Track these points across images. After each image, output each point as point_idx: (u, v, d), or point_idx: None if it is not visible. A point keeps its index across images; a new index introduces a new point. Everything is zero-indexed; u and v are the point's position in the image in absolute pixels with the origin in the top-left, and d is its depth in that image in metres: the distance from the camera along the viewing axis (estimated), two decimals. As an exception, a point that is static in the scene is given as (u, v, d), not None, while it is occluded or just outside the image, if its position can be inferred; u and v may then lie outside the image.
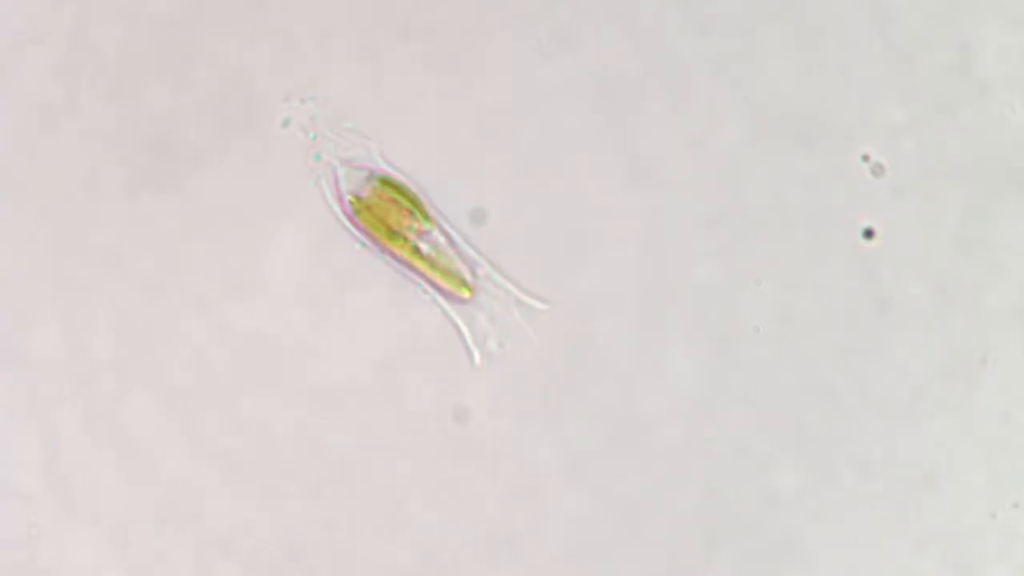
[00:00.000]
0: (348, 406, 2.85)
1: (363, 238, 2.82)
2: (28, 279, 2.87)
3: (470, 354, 2.83)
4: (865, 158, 2.86)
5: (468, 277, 2.84)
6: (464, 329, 2.84)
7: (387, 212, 2.80)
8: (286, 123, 2.83)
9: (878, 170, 2.86)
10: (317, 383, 2.85)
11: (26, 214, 2.87)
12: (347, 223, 2.82)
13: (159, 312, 2.85)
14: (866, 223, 2.86)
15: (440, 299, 2.84)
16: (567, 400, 2.86)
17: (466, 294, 2.84)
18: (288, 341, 2.85)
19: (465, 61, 2.88)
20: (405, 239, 2.81)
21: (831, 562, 2.85)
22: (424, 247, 2.82)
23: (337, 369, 2.85)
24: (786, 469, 2.86)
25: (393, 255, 2.82)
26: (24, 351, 2.86)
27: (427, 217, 2.82)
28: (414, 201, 2.82)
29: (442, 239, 2.83)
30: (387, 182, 2.81)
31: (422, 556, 2.86)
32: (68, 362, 2.86)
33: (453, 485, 2.86)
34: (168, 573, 2.85)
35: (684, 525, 2.86)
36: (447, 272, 2.83)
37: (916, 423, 2.86)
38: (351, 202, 2.80)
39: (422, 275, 2.83)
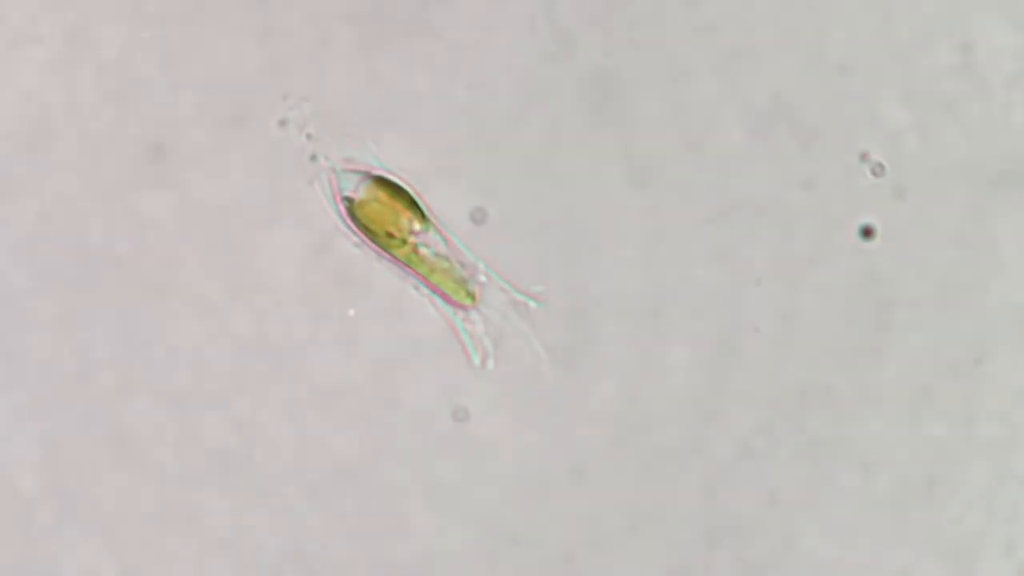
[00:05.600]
0: (347, 406, 2.85)
1: (360, 239, 2.82)
2: (28, 279, 2.87)
3: (469, 354, 2.83)
4: (864, 158, 2.86)
5: (470, 285, 2.83)
6: (463, 330, 2.84)
7: (383, 214, 2.80)
8: (283, 123, 2.84)
9: (878, 170, 2.86)
10: (316, 383, 2.85)
11: (26, 214, 2.87)
12: (344, 224, 2.82)
13: (159, 312, 2.85)
14: (866, 223, 2.86)
15: (439, 301, 2.84)
16: (567, 400, 2.86)
17: (468, 302, 2.84)
18: (287, 341, 2.85)
19: (465, 61, 2.88)
20: (404, 241, 2.81)
21: (831, 563, 2.85)
22: (423, 250, 2.82)
23: (336, 369, 2.85)
24: (786, 469, 2.86)
25: (392, 257, 2.82)
26: (24, 351, 2.86)
27: (424, 219, 2.82)
28: (411, 202, 2.81)
29: (441, 241, 2.83)
30: (382, 183, 2.81)
31: (422, 556, 2.86)
32: (68, 362, 2.86)
33: (453, 485, 2.86)
34: (167, 574, 2.85)
35: (684, 525, 2.85)
36: (447, 276, 2.83)
37: (916, 423, 2.86)
38: (346, 203, 2.80)
39: (421, 278, 2.83)
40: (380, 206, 2.80)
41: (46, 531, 2.85)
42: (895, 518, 2.86)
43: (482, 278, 2.84)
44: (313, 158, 2.83)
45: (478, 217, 2.85)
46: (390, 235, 2.81)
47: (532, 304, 2.84)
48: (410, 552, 2.86)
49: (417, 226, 2.81)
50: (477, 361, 2.84)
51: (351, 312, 2.77)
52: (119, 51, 2.88)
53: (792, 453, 2.86)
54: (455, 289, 2.83)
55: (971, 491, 2.86)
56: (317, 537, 2.86)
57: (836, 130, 2.87)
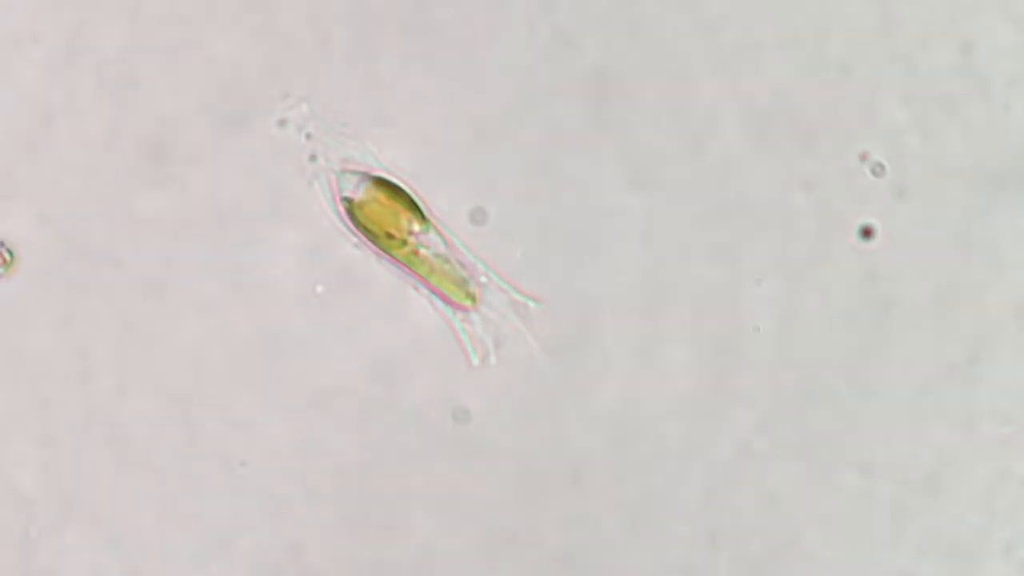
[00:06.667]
0: (347, 406, 2.85)
1: (360, 240, 2.82)
2: (28, 279, 2.87)
3: (468, 355, 2.83)
4: (864, 158, 2.86)
5: (471, 286, 2.83)
6: (462, 331, 2.84)
7: (382, 214, 2.80)
8: (283, 123, 2.83)
9: (878, 170, 2.86)
10: (316, 383, 2.85)
11: (26, 214, 2.87)
12: (344, 224, 2.82)
13: (159, 312, 2.86)
14: (865, 223, 2.86)
15: (438, 301, 2.84)
16: (567, 400, 2.86)
17: (468, 303, 2.84)
18: (287, 341, 2.85)
19: (465, 61, 2.88)
20: (403, 242, 2.81)
21: (831, 563, 2.85)
22: (423, 250, 2.82)
23: (336, 369, 2.85)
24: (786, 469, 2.86)
25: (391, 258, 2.82)
26: (24, 351, 2.86)
27: (424, 219, 2.82)
28: (410, 203, 2.81)
29: (441, 242, 2.83)
30: (382, 184, 2.81)
31: (422, 556, 2.86)
32: (68, 362, 2.86)
33: (453, 485, 2.86)
34: (167, 574, 2.85)
35: (684, 525, 2.86)
36: (447, 277, 2.83)
37: (916, 423, 2.86)
38: (345, 204, 2.80)
39: (421, 279, 2.83)
40: (380, 207, 2.80)
41: (46, 531, 2.86)
42: (895, 518, 2.86)
43: (482, 279, 2.84)
44: (313, 158, 2.83)
45: (478, 217, 2.85)
46: (390, 236, 2.81)
47: (532, 304, 2.84)
48: (410, 552, 2.86)
49: (417, 227, 2.81)
50: (477, 361, 2.84)
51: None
52: (119, 51, 2.88)
53: (792, 453, 2.86)
54: (455, 290, 2.83)
55: (971, 491, 2.86)
56: (317, 537, 2.86)
57: (836, 130, 2.87)
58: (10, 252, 2.68)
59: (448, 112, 2.86)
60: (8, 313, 2.86)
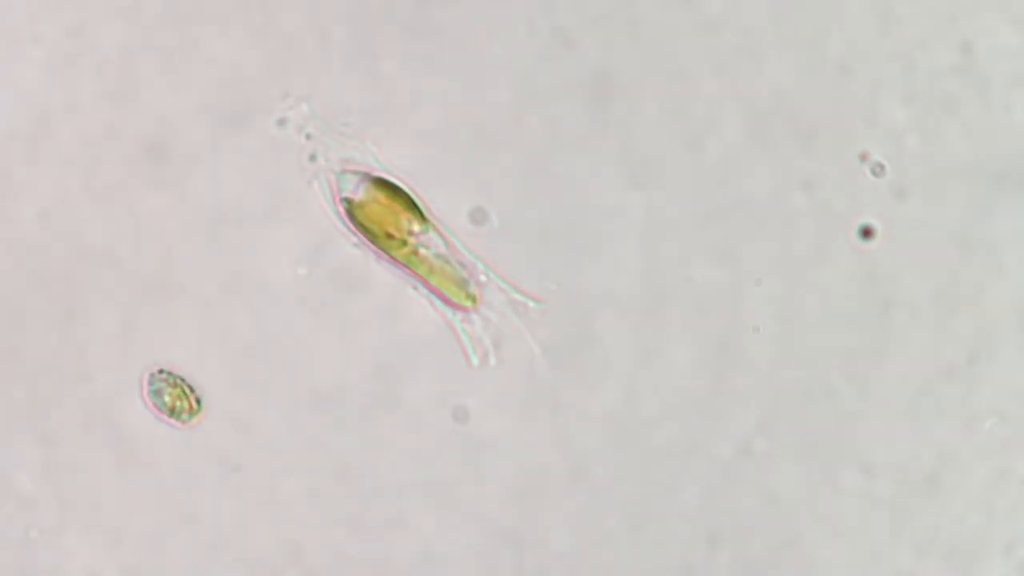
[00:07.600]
0: (347, 406, 2.85)
1: (359, 240, 2.82)
2: (28, 279, 2.87)
3: (468, 355, 2.83)
4: (864, 158, 2.86)
5: (472, 287, 2.83)
6: (462, 331, 2.84)
7: (382, 214, 2.80)
8: (283, 123, 2.83)
9: (878, 170, 2.86)
10: (316, 383, 2.85)
11: (26, 214, 2.87)
12: (344, 225, 2.82)
13: (159, 312, 2.86)
14: (865, 223, 2.86)
15: (438, 302, 2.84)
16: (567, 399, 2.86)
17: (468, 303, 2.84)
18: (287, 341, 2.85)
19: (465, 61, 2.88)
20: (403, 242, 2.81)
21: (831, 563, 2.85)
22: (423, 251, 2.82)
23: (336, 369, 2.85)
24: (786, 469, 2.86)
25: (391, 258, 2.82)
26: (24, 351, 2.86)
27: (424, 219, 2.82)
28: (410, 203, 2.81)
29: (441, 243, 2.83)
30: (382, 184, 2.81)
31: (422, 556, 2.86)
32: (68, 362, 2.86)
33: (453, 485, 2.86)
34: (167, 574, 2.85)
35: (684, 525, 2.86)
36: (447, 278, 2.83)
37: (916, 423, 2.86)
38: (345, 204, 2.80)
39: (421, 280, 2.83)
40: (379, 207, 2.80)
41: (46, 531, 2.86)
42: (895, 518, 2.86)
43: (482, 278, 2.84)
44: (313, 158, 2.83)
45: (478, 217, 2.85)
46: (390, 236, 2.81)
47: (531, 304, 2.84)
48: (410, 552, 2.86)
49: (417, 227, 2.81)
50: (476, 361, 2.84)
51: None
52: (119, 51, 2.88)
53: (792, 453, 2.86)
54: (455, 290, 2.83)
55: (971, 491, 2.86)
56: (317, 537, 2.86)
57: (836, 130, 2.87)
58: (199, 401, 2.69)
59: (448, 112, 2.86)
60: (8, 313, 2.86)
